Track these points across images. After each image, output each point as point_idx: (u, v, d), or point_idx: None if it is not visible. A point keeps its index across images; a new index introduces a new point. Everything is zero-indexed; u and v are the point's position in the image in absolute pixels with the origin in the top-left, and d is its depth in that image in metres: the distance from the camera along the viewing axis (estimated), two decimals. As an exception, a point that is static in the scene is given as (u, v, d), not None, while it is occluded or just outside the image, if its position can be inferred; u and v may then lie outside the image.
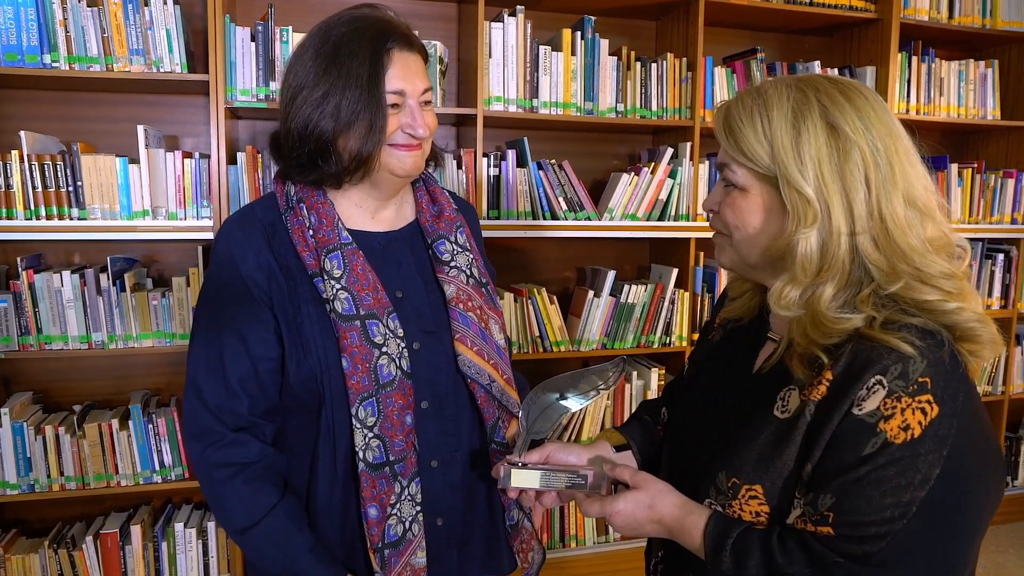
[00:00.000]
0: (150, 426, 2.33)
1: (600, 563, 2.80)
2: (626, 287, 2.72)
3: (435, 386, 1.15)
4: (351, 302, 1.10)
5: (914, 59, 2.97)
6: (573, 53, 2.58)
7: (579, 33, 2.58)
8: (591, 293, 2.69)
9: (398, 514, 1.10)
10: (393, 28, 1.11)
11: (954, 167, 3.09)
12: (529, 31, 2.52)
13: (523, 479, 1.05)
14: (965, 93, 3.07)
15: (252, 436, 1.10)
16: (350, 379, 1.07)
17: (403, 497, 1.10)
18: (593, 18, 2.61)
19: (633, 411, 1.31)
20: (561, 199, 2.61)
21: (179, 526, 2.41)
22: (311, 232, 1.12)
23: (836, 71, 2.90)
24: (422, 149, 1.15)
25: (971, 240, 3.15)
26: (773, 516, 0.91)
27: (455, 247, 1.23)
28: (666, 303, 2.76)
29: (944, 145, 3.40)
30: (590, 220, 2.63)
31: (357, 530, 1.11)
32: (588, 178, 2.81)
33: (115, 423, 2.29)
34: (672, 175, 2.70)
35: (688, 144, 2.71)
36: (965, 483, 0.83)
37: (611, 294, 2.71)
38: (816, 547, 0.85)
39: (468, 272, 1.23)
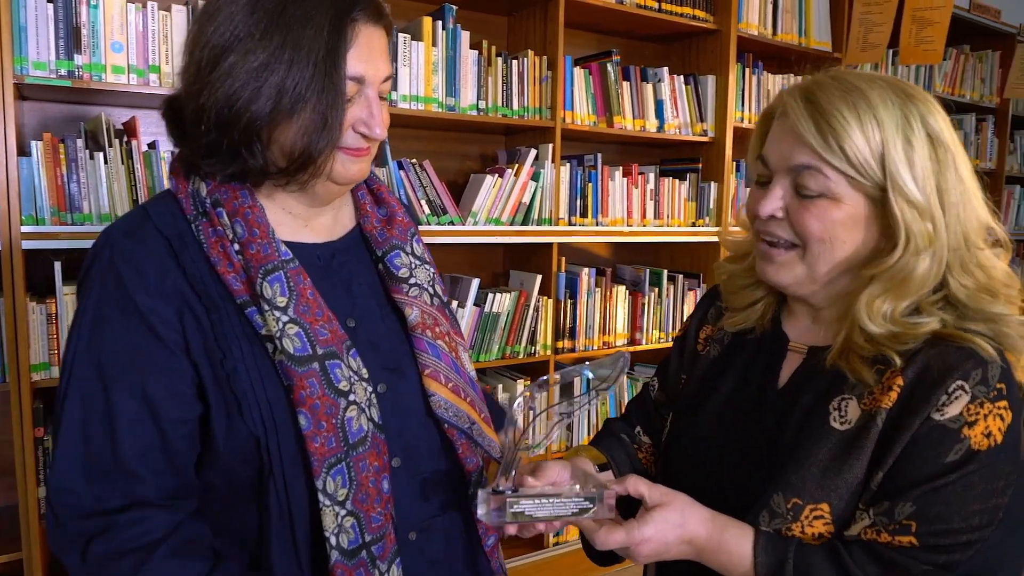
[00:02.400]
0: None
1: None
2: (490, 296, 2.56)
3: (405, 437, 0.91)
4: (304, 338, 0.83)
5: (747, 71, 3.12)
6: (434, 44, 2.37)
7: (440, 23, 2.38)
8: (455, 303, 2.50)
9: None
10: None
11: (780, 174, 3.29)
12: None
13: (519, 510, 0.82)
14: (787, 105, 3.29)
15: (157, 509, 0.81)
16: (311, 442, 0.81)
17: None
18: (454, 7, 2.42)
19: (601, 428, 1.15)
20: (423, 202, 2.40)
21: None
22: (236, 247, 0.84)
23: (682, 78, 2.97)
24: (370, 152, 0.91)
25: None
26: (837, 535, 0.82)
27: (412, 259, 0.99)
28: (531, 311, 2.65)
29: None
30: (454, 225, 2.44)
31: None
32: (444, 179, 2.62)
33: None
34: (535, 177, 2.59)
35: (550, 146, 2.61)
36: None
37: (475, 303, 2.54)
38: (895, 557, 0.78)
39: (431, 290, 1.00)
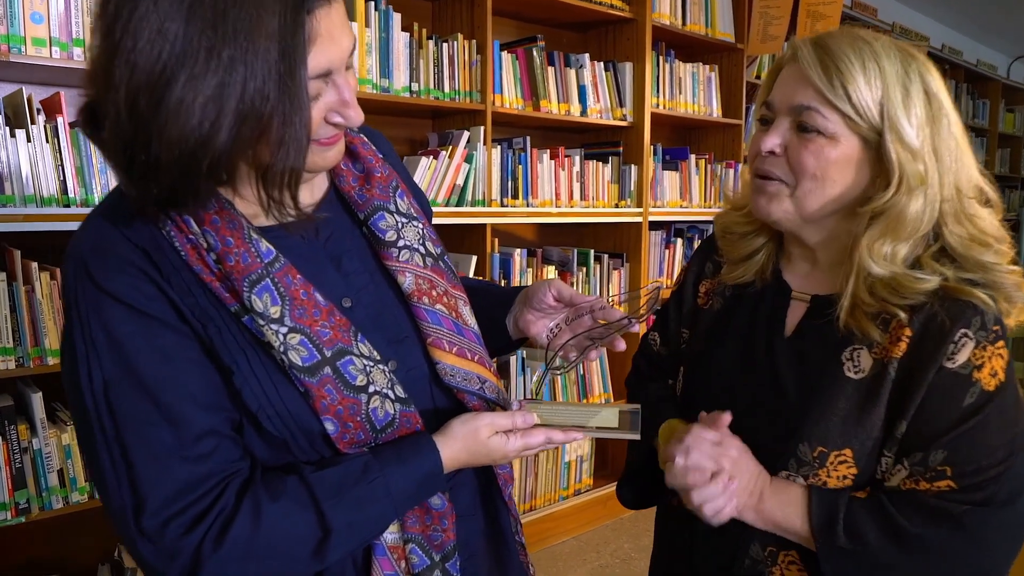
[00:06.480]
0: None
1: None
2: (427, 277, 2.58)
3: (421, 406, 0.89)
4: (309, 345, 0.78)
5: (660, 59, 3.26)
6: (367, 25, 2.36)
7: (372, 3, 2.37)
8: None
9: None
10: None
11: (693, 158, 3.47)
12: (320, -5, 2.25)
13: (538, 414, 0.90)
14: (697, 92, 3.47)
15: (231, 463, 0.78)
16: (340, 440, 0.80)
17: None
18: (385, -12, 2.42)
19: (638, 395, 1.15)
20: (360, 184, 2.38)
21: None
22: (213, 257, 0.76)
23: (602, 64, 3.07)
24: (342, 134, 0.83)
25: (707, 223, 3.60)
26: (859, 478, 0.88)
27: (399, 218, 0.93)
28: (467, 292, 2.68)
29: (676, 139, 3.81)
30: (391, 206, 2.44)
31: None
32: (376, 163, 2.61)
33: None
34: (468, 160, 2.62)
35: (481, 128, 2.65)
36: None
37: (413, 285, 2.55)
38: (936, 503, 0.84)
39: (423, 249, 0.94)
